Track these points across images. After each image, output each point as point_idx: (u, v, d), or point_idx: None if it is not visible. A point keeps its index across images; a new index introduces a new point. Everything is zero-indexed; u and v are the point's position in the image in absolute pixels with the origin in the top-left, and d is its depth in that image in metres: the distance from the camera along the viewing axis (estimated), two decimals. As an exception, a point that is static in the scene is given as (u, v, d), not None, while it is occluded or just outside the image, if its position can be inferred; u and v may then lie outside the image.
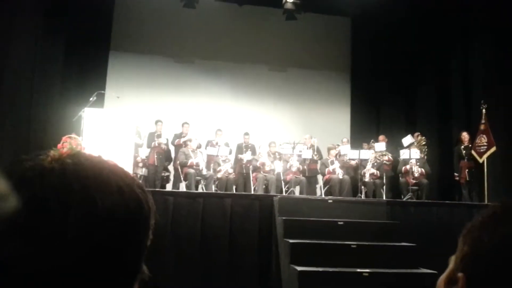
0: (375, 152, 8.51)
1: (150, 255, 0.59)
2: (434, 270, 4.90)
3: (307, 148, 8.61)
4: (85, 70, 9.23)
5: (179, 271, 5.60)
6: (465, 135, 8.43)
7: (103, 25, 9.66)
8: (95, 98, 7.53)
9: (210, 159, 8.13)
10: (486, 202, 7.42)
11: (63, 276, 0.51)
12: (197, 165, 7.84)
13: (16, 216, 0.51)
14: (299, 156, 8.44)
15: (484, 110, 7.92)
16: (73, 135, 6.56)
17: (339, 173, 8.24)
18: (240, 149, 8.70)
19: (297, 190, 8.15)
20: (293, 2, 9.28)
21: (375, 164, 8.42)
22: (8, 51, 7.22)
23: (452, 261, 0.64)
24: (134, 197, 0.57)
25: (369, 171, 8.33)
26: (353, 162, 8.55)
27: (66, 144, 6.29)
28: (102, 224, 0.53)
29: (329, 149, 8.77)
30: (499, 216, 0.60)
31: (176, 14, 9.90)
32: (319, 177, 8.75)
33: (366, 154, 8.41)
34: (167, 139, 8.57)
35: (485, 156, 7.79)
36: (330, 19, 10.77)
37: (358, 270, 4.80)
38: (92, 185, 0.54)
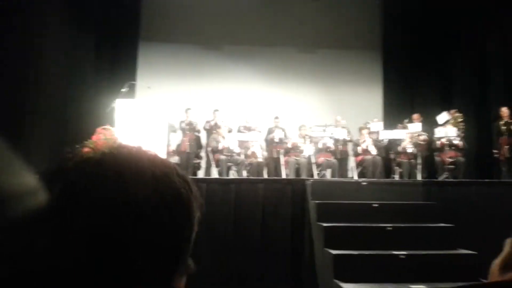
0: (410, 132, 8.30)
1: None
2: (474, 251, 4.78)
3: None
4: (116, 62, 9.39)
5: (213, 256, 5.68)
6: (504, 111, 8.09)
7: (132, 16, 9.77)
8: (127, 89, 7.66)
9: (241, 144, 8.15)
10: (527, 179, 7.14)
11: (97, 270, 0.50)
12: (229, 148, 7.86)
13: (50, 205, 0.50)
14: (331, 138, 8.34)
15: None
16: (107, 126, 6.68)
17: (372, 150, 8.09)
18: (271, 133, 8.67)
19: (328, 173, 8.08)
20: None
21: (410, 144, 8.22)
22: (41, 47, 7.41)
23: (508, 244, 0.59)
24: (171, 186, 0.56)
25: (404, 150, 8.15)
26: (385, 141, 8.37)
27: (101, 136, 6.44)
28: (135, 214, 0.52)
29: (360, 129, 8.62)
30: None
31: (202, 0, 9.88)
32: (351, 160, 8.62)
33: (400, 133, 8.22)
34: (197, 124, 8.60)
35: (526, 132, 7.48)
36: (360, -4, 10.49)
37: (394, 252, 4.73)
38: (127, 173, 0.53)
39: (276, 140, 8.37)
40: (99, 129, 6.52)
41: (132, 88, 8.19)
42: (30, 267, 0.49)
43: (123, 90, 7.62)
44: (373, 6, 10.71)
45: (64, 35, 8.10)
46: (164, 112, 7.59)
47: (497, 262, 0.61)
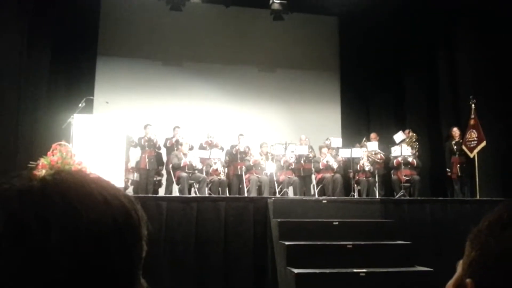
0: (368, 151, 8.54)
1: (144, 261, 0.57)
2: (430, 268, 4.94)
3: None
4: (73, 76, 9.14)
5: (174, 276, 5.56)
6: (455, 131, 8.49)
7: (89, 30, 9.56)
8: (84, 104, 7.46)
9: (203, 162, 8.09)
10: (478, 197, 7.49)
11: None
12: (191, 165, 7.77)
13: None
14: (293, 156, 8.43)
15: (473, 105, 8.00)
16: (63, 142, 6.46)
17: (333, 164, 8.24)
18: (233, 152, 8.64)
19: (290, 190, 8.15)
20: (280, 3, 9.28)
21: (368, 162, 8.46)
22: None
23: (460, 266, 0.62)
24: (120, 207, 0.54)
25: (362, 169, 8.37)
26: (342, 157, 8.58)
27: (56, 152, 6.21)
28: (88, 238, 0.50)
29: (320, 148, 8.78)
30: (506, 220, 0.59)
31: (163, 17, 9.83)
32: (313, 177, 8.75)
33: (358, 152, 8.44)
34: (157, 141, 8.46)
35: (475, 151, 7.87)
36: (318, 18, 10.78)
37: (355, 270, 4.80)
38: (75, 198, 0.51)
39: (241, 149, 8.34)
40: (54, 145, 6.29)
41: (89, 103, 7.99)
42: None
43: (80, 105, 7.42)
44: (331, 28, 11.05)
45: (17, 45, 7.79)
46: (122, 127, 7.45)
47: (450, 284, 0.63)
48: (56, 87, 8.84)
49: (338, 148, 8.65)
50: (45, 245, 0.48)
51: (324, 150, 8.62)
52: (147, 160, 8.16)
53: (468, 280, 0.59)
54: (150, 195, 7.47)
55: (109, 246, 0.52)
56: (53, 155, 6.21)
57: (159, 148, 8.51)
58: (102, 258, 0.51)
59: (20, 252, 0.48)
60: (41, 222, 0.49)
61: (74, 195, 0.52)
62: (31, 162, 5.98)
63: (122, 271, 0.53)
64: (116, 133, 7.22)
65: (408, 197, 7.70)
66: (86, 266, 0.50)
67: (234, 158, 8.49)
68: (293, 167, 8.37)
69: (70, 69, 9.14)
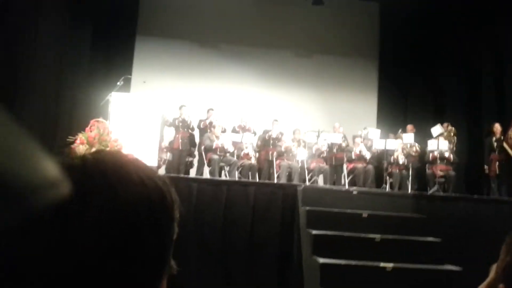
0: (403, 143, 8.34)
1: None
2: (460, 267, 4.82)
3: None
4: (112, 55, 9.31)
5: (200, 258, 5.67)
6: (497, 127, 8.15)
7: (129, 10, 9.69)
8: (122, 82, 7.60)
9: (234, 146, 8.13)
10: (516, 197, 7.21)
11: (86, 271, 0.50)
12: (223, 147, 7.82)
13: (37, 215, 0.49)
14: (325, 144, 8.35)
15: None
16: (100, 119, 6.63)
17: (366, 154, 8.11)
18: (266, 137, 8.63)
19: (320, 179, 8.09)
20: (321, -13, 9.09)
21: (403, 154, 8.27)
22: (36, 36, 7.32)
23: (493, 270, 0.60)
24: (156, 188, 0.56)
25: (396, 161, 8.19)
26: (377, 149, 8.41)
27: (94, 128, 6.39)
28: (124, 216, 0.52)
29: (354, 137, 8.65)
30: None
31: (202, -1, 9.85)
32: (344, 167, 8.64)
33: (393, 144, 8.26)
34: (191, 122, 8.54)
35: (516, 150, 7.56)
36: (358, 3, 10.52)
37: (382, 264, 4.75)
38: (114, 177, 0.53)
39: (274, 135, 8.33)
40: (92, 121, 6.47)
41: (127, 82, 8.14)
42: (25, 271, 0.49)
43: (118, 83, 7.57)
44: (372, 15, 10.75)
45: (60, 26, 8.00)
46: (158, 107, 7.57)
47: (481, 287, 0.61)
48: (96, 66, 9.04)
49: (373, 139, 8.48)
50: (82, 223, 0.50)
51: (358, 139, 8.49)
52: (180, 140, 8.27)
53: (501, 286, 0.57)
54: (181, 175, 7.59)
55: (143, 227, 0.53)
56: (91, 131, 6.39)
57: (193, 129, 8.61)
58: (136, 238, 0.52)
59: (60, 229, 0.49)
60: (80, 200, 0.50)
61: (113, 175, 0.53)
62: (70, 137, 6.18)
63: (154, 251, 0.54)
64: (151, 113, 7.34)
65: (442, 193, 7.50)
66: (120, 245, 0.51)
67: (266, 143, 8.49)
68: (324, 155, 8.29)
69: (110, 48, 9.32)
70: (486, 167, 8.22)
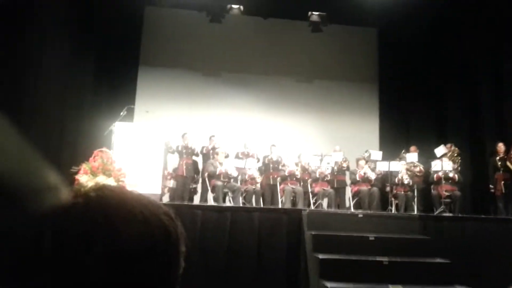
0: (407, 163, 8.33)
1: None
2: (470, 287, 4.74)
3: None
4: (116, 85, 9.43)
5: (206, 286, 5.58)
6: (500, 146, 8.16)
7: (132, 41, 9.87)
8: (125, 112, 7.69)
9: (238, 170, 8.13)
10: (523, 216, 7.14)
11: None
12: (226, 173, 7.81)
13: (43, 251, 0.50)
14: (328, 166, 8.35)
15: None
16: (104, 149, 6.67)
17: (371, 175, 8.09)
18: (265, 161, 8.64)
19: (325, 202, 8.04)
20: (318, 15, 9.29)
21: (407, 175, 8.24)
22: (41, 66, 7.45)
23: None
24: (160, 225, 0.55)
25: (400, 182, 8.16)
26: (381, 171, 8.39)
27: (98, 158, 6.42)
28: (128, 255, 0.52)
29: (357, 160, 8.64)
30: None
31: (203, 28, 10.04)
32: (348, 190, 8.62)
33: (397, 165, 8.24)
34: (195, 148, 8.55)
35: (521, 168, 7.53)
36: (356, 30, 10.70)
37: (391, 287, 4.67)
38: (116, 215, 0.53)
39: (274, 159, 8.34)
40: (96, 152, 6.50)
41: (130, 112, 8.23)
42: None
43: (121, 113, 7.66)
44: (370, 40, 10.91)
45: (64, 57, 8.15)
46: (161, 136, 7.63)
47: None
48: (99, 96, 9.15)
49: (376, 161, 8.47)
50: (85, 261, 0.50)
51: (362, 162, 8.48)
52: (184, 167, 8.29)
53: None
54: (185, 203, 7.56)
55: (146, 264, 0.53)
56: (94, 161, 6.43)
57: (197, 154, 8.63)
58: (139, 274, 0.52)
59: (60, 266, 0.50)
60: (83, 240, 0.51)
61: (115, 213, 0.53)
62: (73, 167, 6.21)
63: (160, 287, 0.54)
64: (155, 142, 7.40)
65: (448, 214, 7.43)
66: (125, 280, 0.51)
67: (266, 168, 8.49)
68: (328, 178, 8.27)
69: (113, 79, 9.45)
70: (491, 186, 8.17)
